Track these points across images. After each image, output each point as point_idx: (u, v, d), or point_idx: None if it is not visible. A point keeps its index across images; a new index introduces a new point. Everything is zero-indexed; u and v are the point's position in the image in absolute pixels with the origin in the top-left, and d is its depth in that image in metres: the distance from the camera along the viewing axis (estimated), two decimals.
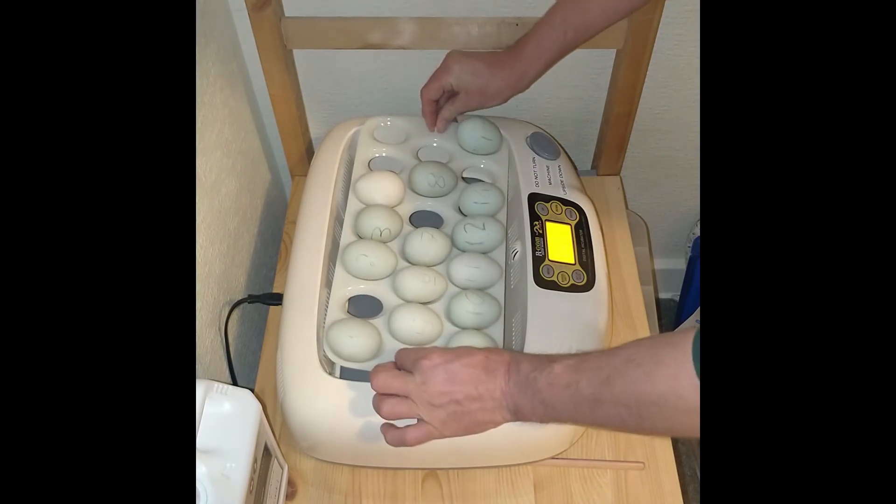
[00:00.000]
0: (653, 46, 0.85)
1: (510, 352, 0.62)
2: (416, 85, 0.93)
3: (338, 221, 0.79)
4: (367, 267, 0.73)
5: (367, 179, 0.79)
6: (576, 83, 0.94)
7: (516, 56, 0.77)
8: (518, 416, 0.59)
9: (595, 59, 0.90)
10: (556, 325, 0.67)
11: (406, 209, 0.79)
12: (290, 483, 0.71)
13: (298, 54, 0.89)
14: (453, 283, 0.74)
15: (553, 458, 0.72)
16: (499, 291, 0.74)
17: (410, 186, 0.81)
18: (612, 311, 0.74)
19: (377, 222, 0.75)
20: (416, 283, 0.72)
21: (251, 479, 0.56)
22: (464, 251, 0.76)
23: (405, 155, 0.83)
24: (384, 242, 0.75)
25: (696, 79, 0.93)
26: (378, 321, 0.71)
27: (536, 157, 0.82)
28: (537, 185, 0.79)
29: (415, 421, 0.61)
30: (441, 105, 0.83)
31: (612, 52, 0.87)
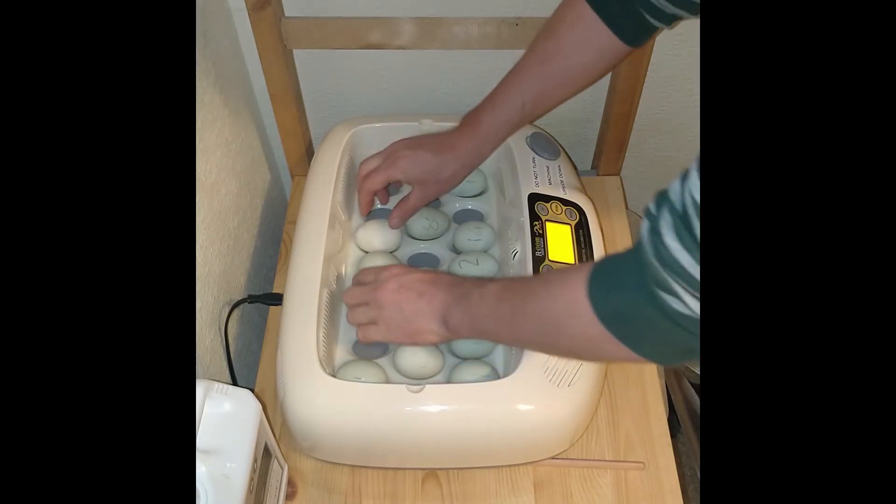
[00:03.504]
0: (653, 46, 0.85)
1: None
2: (416, 85, 0.94)
3: (338, 221, 0.80)
4: None
5: (365, 228, 0.83)
6: None
7: (471, 134, 0.76)
8: (447, 326, 0.65)
9: None
10: None
11: (404, 253, 0.83)
12: (290, 483, 0.71)
13: (298, 54, 0.89)
14: None
15: (553, 458, 0.72)
16: None
17: (407, 232, 0.84)
18: None
19: None
20: None
21: (251, 479, 0.56)
22: None
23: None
24: None
25: (696, 79, 0.93)
26: (384, 360, 0.74)
27: (536, 157, 0.82)
28: (537, 185, 0.79)
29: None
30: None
31: None
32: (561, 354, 0.61)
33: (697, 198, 0.38)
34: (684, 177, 0.41)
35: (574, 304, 0.50)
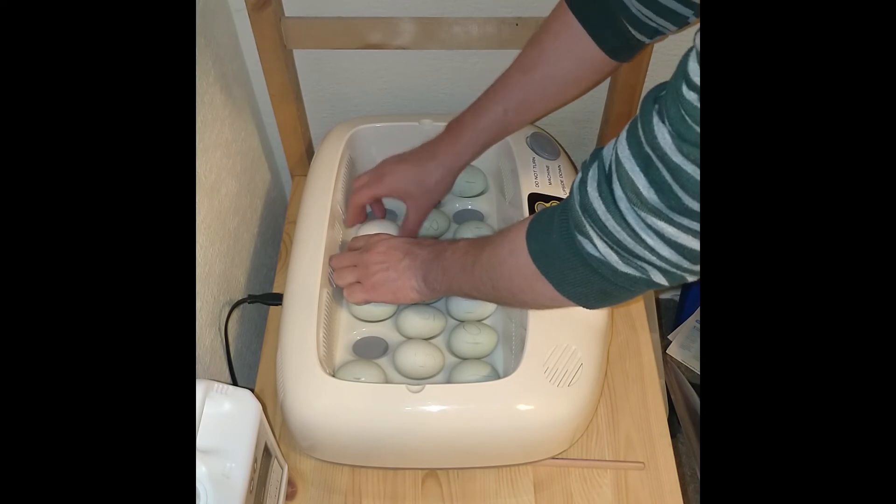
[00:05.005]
0: (653, 47, 0.85)
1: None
2: (416, 85, 0.94)
3: (338, 221, 0.80)
4: (370, 309, 0.76)
5: (365, 229, 0.82)
6: None
7: (452, 140, 0.76)
8: (426, 283, 0.69)
9: None
10: (556, 325, 0.67)
11: None
12: (290, 483, 0.71)
13: (298, 54, 0.89)
14: (452, 317, 0.77)
15: (553, 458, 0.72)
16: (496, 321, 0.77)
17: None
18: (612, 311, 0.74)
19: None
20: (417, 321, 0.75)
21: (251, 479, 0.56)
22: None
23: (400, 204, 0.85)
24: None
25: None
26: (384, 360, 0.74)
27: (536, 157, 0.82)
28: (537, 185, 0.79)
29: None
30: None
31: None
32: (502, 297, 0.63)
33: (622, 158, 0.44)
34: (616, 139, 0.46)
35: (515, 244, 0.56)
